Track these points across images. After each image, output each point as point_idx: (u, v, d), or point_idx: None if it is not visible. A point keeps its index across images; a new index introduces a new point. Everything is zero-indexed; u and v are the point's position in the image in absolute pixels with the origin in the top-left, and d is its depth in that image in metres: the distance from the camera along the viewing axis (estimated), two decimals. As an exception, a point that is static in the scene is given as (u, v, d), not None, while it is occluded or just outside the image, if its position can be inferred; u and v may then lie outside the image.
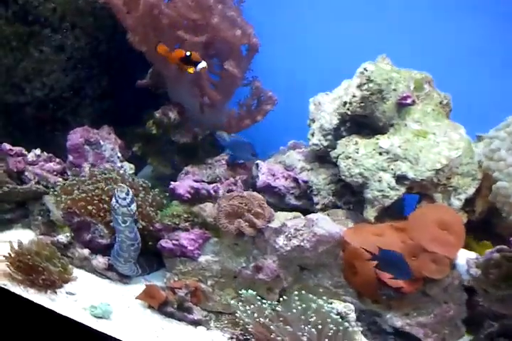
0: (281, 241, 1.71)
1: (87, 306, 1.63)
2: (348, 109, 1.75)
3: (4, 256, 1.71)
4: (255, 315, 1.54)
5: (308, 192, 1.96)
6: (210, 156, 2.13)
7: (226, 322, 1.74)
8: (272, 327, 1.47)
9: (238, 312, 1.58)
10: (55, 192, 1.97)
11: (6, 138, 2.12)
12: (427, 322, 1.58)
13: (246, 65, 2.10)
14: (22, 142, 2.10)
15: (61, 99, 2.14)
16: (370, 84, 1.67)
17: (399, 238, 1.60)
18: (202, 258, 1.80)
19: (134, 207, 1.74)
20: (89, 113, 2.21)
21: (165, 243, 1.83)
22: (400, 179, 1.70)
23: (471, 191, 1.68)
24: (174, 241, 1.82)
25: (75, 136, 2.07)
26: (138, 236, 1.80)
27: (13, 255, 1.70)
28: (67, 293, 1.70)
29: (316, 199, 1.93)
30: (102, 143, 2.12)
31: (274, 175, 2.01)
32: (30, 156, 2.09)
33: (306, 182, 1.96)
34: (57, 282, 1.70)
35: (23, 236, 1.95)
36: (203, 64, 1.93)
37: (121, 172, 2.03)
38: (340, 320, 1.52)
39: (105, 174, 1.96)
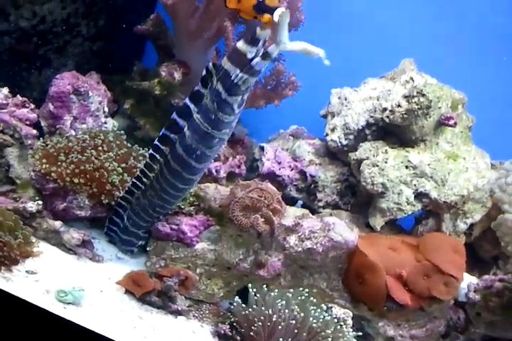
0: (292, 240, 1.65)
1: (52, 289, 1.39)
2: (388, 117, 1.69)
3: None
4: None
5: (311, 187, 1.91)
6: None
7: (207, 312, 1.66)
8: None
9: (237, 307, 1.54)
10: (32, 152, 1.66)
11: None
12: (418, 335, 1.67)
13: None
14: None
15: (50, 34, 1.78)
16: (422, 99, 1.62)
17: (413, 256, 1.64)
18: (198, 246, 1.69)
19: None
20: (77, 54, 1.87)
21: (161, 226, 1.68)
22: (420, 196, 1.72)
23: (478, 217, 1.76)
24: (173, 226, 1.68)
25: (63, 83, 1.74)
26: None
27: None
28: (27, 271, 1.44)
29: (319, 195, 1.89)
30: (90, 94, 1.81)
31: (280, 163, 1.92)
32: (-1, 98, 1.72)
33: (313, 176, 1.89)
34: (16, 258, 1.42)
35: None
36: (280, 10, 1.40)
37: (118, 134, 1.77)
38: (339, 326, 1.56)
39: (99, 137, 1.70)
